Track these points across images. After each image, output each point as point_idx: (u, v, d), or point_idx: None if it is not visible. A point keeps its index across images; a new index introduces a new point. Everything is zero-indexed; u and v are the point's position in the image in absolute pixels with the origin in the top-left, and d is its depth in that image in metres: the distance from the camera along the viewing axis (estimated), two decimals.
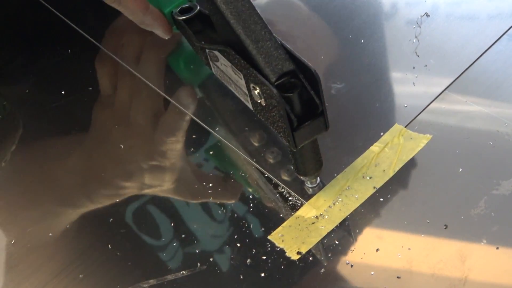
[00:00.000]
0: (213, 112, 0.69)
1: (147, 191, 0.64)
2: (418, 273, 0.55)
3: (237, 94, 0.61)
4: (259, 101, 0.56)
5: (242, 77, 0.57)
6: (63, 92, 0.73)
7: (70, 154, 0.68)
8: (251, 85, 0.56)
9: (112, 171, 0.66)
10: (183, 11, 0.67)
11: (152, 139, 0.68)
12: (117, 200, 0.63)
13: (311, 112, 0.55)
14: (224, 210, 0.61)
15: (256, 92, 0.56)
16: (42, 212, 0.64)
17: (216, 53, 0.60)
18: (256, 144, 0.65)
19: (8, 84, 0.77)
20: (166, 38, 0.71)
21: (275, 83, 0.54)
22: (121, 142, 0.68)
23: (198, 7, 0.66)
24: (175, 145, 0.67)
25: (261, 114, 0.57)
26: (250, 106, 0.59)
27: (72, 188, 0.65)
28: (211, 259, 0.58)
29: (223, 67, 0.60)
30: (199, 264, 0.58)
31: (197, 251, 0.59)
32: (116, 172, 0.66)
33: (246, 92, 0.58)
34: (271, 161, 0.63)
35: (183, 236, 0.60)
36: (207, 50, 0.62)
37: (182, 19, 0.66)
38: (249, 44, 0.55)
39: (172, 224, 0.61)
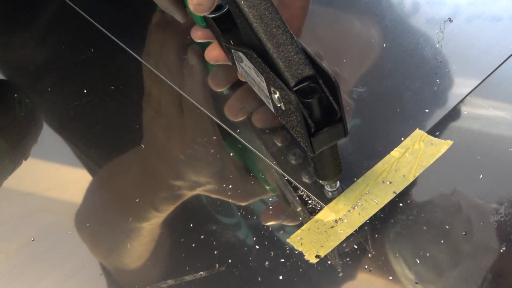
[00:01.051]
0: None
1: (198, 190, 0.64)
2: (437, 280, 0.55)
3: (260, 96, 0.61)
4: (279, 105, 0.56)
5: (264, 80, 0.57)
6: (85, 91, 0.74)
7: (131, 165, 0.68)
8: (272, 89, 0.56)
9: (164, 172, 0.66)
10: (214, 9, 0.66)
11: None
12: (178, 203, 0.63)
13: (330, 118, 0.55)
14: (244, 212, 0.62)
15: (276, 96, 0.56)
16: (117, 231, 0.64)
17: (240, 54, 0.60)
18: (279, 145, 0.65)
19: (30, 82, 0.77)
20: (182, 22, 0.73)
21: (294, 88, 0.54)
22: (164, 138, 0.69)
23: (227, 6, 0.66)
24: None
25: (282, 118, 0.58)
26: (271, 108, 0.59)
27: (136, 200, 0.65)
28: (229, 261, 0.58)
29: (247, 69, 0.60)
30: (217, 265, 0.58)
31: (215, 252, 0.59)
32: (167, 172, 0.66)
33: (268, 95, 0.58)
34: (293, 162, 0.64)
35: (202, 237, 0.60)
36: (232, 50, 0.62)
37: (212, 17, 0.66)
38: (270, 48, 0.55)
39: (191, 225, 0.61)
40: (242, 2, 0.57)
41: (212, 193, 0.63)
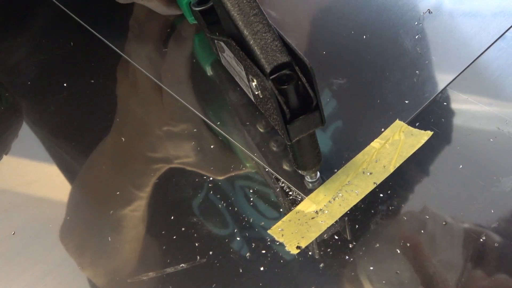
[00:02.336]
0: (215, 104, 0.69)
1: (175, 162, 0.65)
2: (417, 269, 0.55)
3: (241, 85, 0.62)
4: (256, 93, 0.56)
5: (243, 69, 0.57)
6: (65, 85, 0.74)
7: (107, 151, 0.68)
8: (250, 76, 0.56)
9: (139, 145, 0.67)
10: (200, 2, 0.67)
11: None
12: (156, 179, 0.64)
13: (306, 106, 0.55)
14: (224, 204, 0.61)
15: (253, 84, 0.56)
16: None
17: (222, 44, 0.60)
18: (262, 130, 0.65)
19: (11, 75, 0.77)
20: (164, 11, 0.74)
21: (271, 76, 0.54)
22: (138, 112, 0.70)
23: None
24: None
25: (260, 106, 0.58)
26: (251, 96, 0.60)
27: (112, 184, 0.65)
28: (210, 253, 0.58)
29: (229, 58, 0.60)
30: (198, 257, 0.58)
31: (196, 244, 0.59)
32: (142, 145, 0.67)
33: (247, 83, 0.58)
34: (274, 149, 0.64)
35: (183, 229, 0.60)
36: (215, 41, 0.63)
37: (198, 10, 0.67)
38: (246, 35, 0.55)
39: (172, 218, 0.61)
40: None
41: (188, 166, 0.64)
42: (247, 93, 0.60)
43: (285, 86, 0.53)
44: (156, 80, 0.71)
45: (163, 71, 0.73)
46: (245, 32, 0.55)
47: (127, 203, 0.62)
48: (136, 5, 0.78)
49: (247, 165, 0.63)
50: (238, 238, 0.59)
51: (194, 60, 0.73)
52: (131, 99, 0.71)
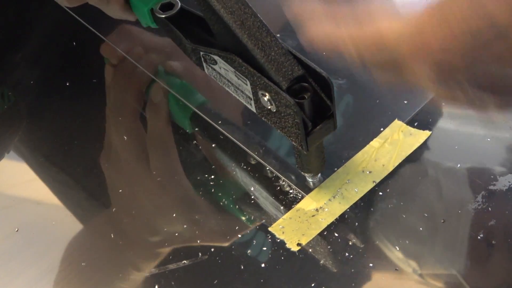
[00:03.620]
0: (216, 108, 0.69)
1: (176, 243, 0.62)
2: (416, 266, 0.56)
3: (236, 96, 0.59)
4: (268, 107, 0.55)
5: (248, 83, 0.56)
6: (67, 84, 0.74)
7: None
8: (260, 92, 0.55)
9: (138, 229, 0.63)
10: (163, 8, 0.63)
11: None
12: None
13: (321, 115, 0.54)
14: (226, 202, 0.62)
15: (265, 98, 0.54)
16: None
17: (215, 57, 0.57)
18: (258, 138, 0.65)
19: (14, 75, 0.77)
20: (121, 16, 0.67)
21: (288, 88, 0.53)
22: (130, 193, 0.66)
23: (180, 4, 0.62)
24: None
25: (267, 118, 0.56)
26: (252, 108, 0.58)
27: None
28: (212, 250, 0.59)
29: (223, 71, 0.58)
30: (200, 254, 0.58)
31: (198, 241, 0.59)
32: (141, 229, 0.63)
33: (251, 96, 0.57)
34: (272, 155, 0.64)
35: (185, 226, 0.61)
36: (201, 53, 0.59)
37: (165, 17, 0.62)
38: (256, 52, 0.53)
39: (174, 215, 0.62)
40: (221, 9, 0.54)
41: (187, 243, 0.60)
42: (245, 103, 0.58)
43: (304, 100, 0.52)
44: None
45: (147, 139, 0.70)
46: (254, 49, 0.53)
47: (128, 267, 0.60)
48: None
49: (243, 219, 0.62)
50: (239, 235, 0.59)
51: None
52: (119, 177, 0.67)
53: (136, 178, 0.66)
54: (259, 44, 0.54)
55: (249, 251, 0.58)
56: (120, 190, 0.64)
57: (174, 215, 0.62)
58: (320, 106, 0.54)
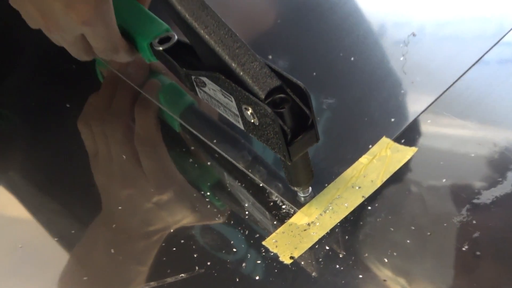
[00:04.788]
0: (206, 128, 0.70)
1: (175, 227, 0.63)
2: (403, 277, 0.56)
3: (226, 116, 0.60)
4: (252, 121, 0.56)
5: (233, 100, 0.57)
6: (68, 105, 0.74)
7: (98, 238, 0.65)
8: (243, 106, 0.56)
9: (134, 224, 0.64)
10: (161, 41, 0.65)
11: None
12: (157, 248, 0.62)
13: (302, 125, 0.55)
14: (221, 218, 0.63)
15: (248, 112, 0.56)
16: None
17: (204, 79, 0.59)
18: (250, 158, 0.66)
19: (15, 95, 0.78)
20: (130, 60, 0.69)
21: (266, 101, 0.54)
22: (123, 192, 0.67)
23: (176, 37, 0.65)
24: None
25: (254, 133, 0.58)
26: (240, 126, 0.59)
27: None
28: (208, 263, 0.59)
29: (211, 92, 0.59)
30: (197, 268, 0.59)
31: (195, 255, 0.60)
32: (136, 224, 0.64)
33: (237, 113, 0.58)
34: (265, 170, 0.65)
35: (182, 241, 0.61)
36: (193, 77, 0.61)
37: (163, 49, 0.64)
38: (235, 67, 0.55)
39: (171, 231, 0.62)
40: (202, 31, 0.57)
41: (189, 224, 0.62)
42: (234, 122, 0.60)
43: (282, 109, 0.53)
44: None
45: (136, 140, 0.70)
46: (233, 64, 0.55)
47: (129, 282, 0.61)
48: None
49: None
50: (234, 250, 0.60)
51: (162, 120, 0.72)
52: (112, 180, 0.68)
53: (130, 181, 0.67)
54: (237, 60, 0.55)
55: (244, 264, 0.59)
56: (120, 207, 0.65)
57: (171, 230, 0.62)
58: (300, 117, 0.55)
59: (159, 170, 0.67)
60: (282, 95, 0.54)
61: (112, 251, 0.62)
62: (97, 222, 0.65)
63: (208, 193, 0.65)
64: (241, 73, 0.55)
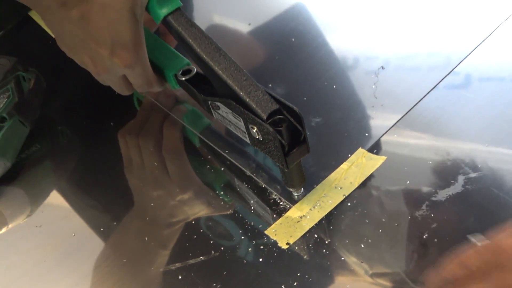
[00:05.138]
0: (220, 142, 0.68)
1: (193, 217, 0.62)
2: (377, 259, 0.56)
3: (235, 132, 0.60)
4: (257, 137, 0.56)
5: (242, 120, 0.57)
6: (111, 123, 0.73)
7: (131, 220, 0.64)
8: (250, 125, 0.56)
9: (161, 217, 0.63)
10: (184, 73, 0.63)
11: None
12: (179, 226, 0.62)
13: (296, 140, 0.55)
14: (232, 211, 0.62)
15: (254, 130, 0.56)
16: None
17: (218, 103, 0.59)
18: (254, 165, 0.65)
19: (69, 114, 0.77)
20: (161, 89, 0.67)
21: (268, 121, 0.54)
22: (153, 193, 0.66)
23: (195, 70, 0.63)
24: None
25: (258, 146, 0.58)
26: (247, 140, 0.59)
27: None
28: (222, 248, 0.59)
29: (224, 114, 0.59)
30: (213, 252, 0.59)
31: (211, 242, 0.59)
32: (163, 216, 0.63)
33: (245, 130, 0.58)
34: (266, 175, 0.64)
35: (201, 230, 0.61)
36: (209, 102, 0.60)
37: (185, 80, 0.63)
38: (243, 95, 0.55)
39: (193, 222, 0.62)
40: (216, 67, 0.57)
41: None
42: (242, 137, 0.59)
43: (281, 128, 0.54)
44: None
45: (164, 151, 0.69)
46: (241, 93, 0.55)
47: (156, 264, 0.59)
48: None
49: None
50: (242, 237, 0.59)
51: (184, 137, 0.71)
52: (145, 183, 0.67)
53: (159, 184, 0.66)
54: (244, 90, 0.56)
55: (250, 249, 0.58)
56: (152, 204, 0.64)
57: (192, 222, 0.62)
58: (295, 133, 0.55)
59: (182, 174, 0.67)
60: (280, 116, 0.55)
61: (146, 238, 0.61)
62: (130, 215, 0.64)
63: (221, 192, 0.64)
64: (248, 100, 0.55)
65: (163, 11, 0.58)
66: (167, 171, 0.67)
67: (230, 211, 0.62)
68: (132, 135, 0.71)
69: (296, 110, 0.55)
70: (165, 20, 0.59)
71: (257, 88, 0.56)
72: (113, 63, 0.59)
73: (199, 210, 0.63)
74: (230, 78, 0.56)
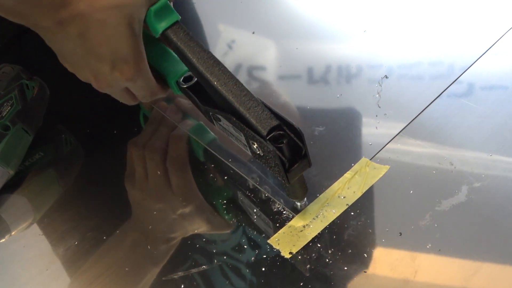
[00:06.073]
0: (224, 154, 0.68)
1: (190, 233, 0.62)
2: (380, 268, 0.56)
3: (237, 144, 0.60)
4: (258, 152, 0.56)
5: (242, 135, 0.56)
6: (115, 132, 0.73)
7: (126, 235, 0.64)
8: (250, 141, 0.56)
9: (160, 229, 0.63)
10: (185, 80, 0.63)
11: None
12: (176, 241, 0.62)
13: (297, 155, 0.55)
14: (235, 221, 0.62)
15: (254, 146, 0.55)
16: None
17: (219, 116, 0.58)
18: (257, 177, 0.65)
19: (74, 123, 0.77)
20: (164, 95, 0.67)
21: (268, 137, 0.53)
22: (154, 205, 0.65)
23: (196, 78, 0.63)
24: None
25: (259, 160, 0.57)
26: (249, 153, 0.58)
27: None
28: (224, 257, 0.59)
29: (226, 126, 0.59)
30: (215, 261, 0.59)
31: (214, 251, 0.59)
32: (162, 230, 0.63)
33: (246, 144, 0.57)
34: (270, 186, 0.64)
35: (204, 240, 0.61)
36: (210, 113, 0.60)
37: (186, 87, 0.63)
38: (242, 111, 0.55)
39: (196, 231, 0.61)
40: (215, 83, 0.56)
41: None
42: (245, 150, 0.59)
43: (281, 145, 0.53)
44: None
45: (168, 163, 0.69)
46: (241, 110, 0.55)
47: (141, 279, 0.60)
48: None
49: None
50: (245, 247, 0.59)
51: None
52: (146, 194, 0.67)
53: (161, 195, 0.66)
54: (244, 105, 0.55)
55: (252, 258, 0.58)
56: (155, 212, 0.64)
57: (195, 231, 0.62)
58: (295, 149, 0.54)
59: (185, 188, 0.66)
60: (280, 132, 0.54)
61: (137, 250, 0.61)
62: (126, 226, 0.64)
63: (223, 207, 0.63)
64: (247, 115, 0.55)
65: (161, 25, 0.58)
66: (170, 184, 0.66)
67: (229, 230, 0.62)
68: (138, 147, 0.71)
69: (296, 126, 0.54)
70: (163, 34, 0.58)
71: (257, 104, 0.55)
72: (115, 77, 0.59)
73: (198, 227, 0.62)
74: (229, 94, 0.56)
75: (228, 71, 0.57)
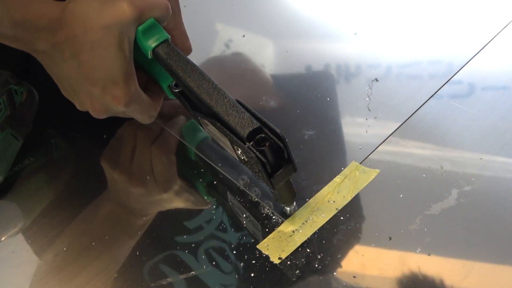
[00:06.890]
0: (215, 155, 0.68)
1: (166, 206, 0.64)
2: (369, 274, 0.56)
3: (226, 148, 0.60)
4: (242, 157, 0.56)
5: (227, 140, 0.57)
6: (104, 136, 0.73)
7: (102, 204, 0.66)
8: (234, 146, 0.56)
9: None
10: (177, 85, 0.64)
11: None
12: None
13: (281, 160, 0.55)
14: (224, 226, 0.61)
15: (239, 151, 0.56)
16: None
17: (205, 120, 0.59)
18: (248, 181, 0.65)
19: (65, 128, 0.76)
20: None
21: (250, 141, 0.54)
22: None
23: None
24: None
25: (245, 165, 0.57)
26: (236, 158, 0.59)
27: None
28: (213, 263, 0.58)
29: (213, 130, 0.59)
30: (204, 267, 0.58)
31: (203, 257, 0.59)
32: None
33: (232, 149, 0.58)
34: (259, 190, 0.63)
35: (193, 245, 0.60)
36: (199, 117, 0.61)
37: (178, 91, 0.63)
38: (222, 115, 0.55)
39: (185, 237, 0.61)
40: (195, 88, 0.57)
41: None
42: (232, 154, 0.59)
43: (263, 148, 0.53)
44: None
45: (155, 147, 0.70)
46: (220, 113, 0.55)
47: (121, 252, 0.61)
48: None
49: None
50: (234, 252, 0.59)
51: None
52: (131, 177, 0.68)
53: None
54: (223, 109, 0.55)
55: (242, 264, 0.58)
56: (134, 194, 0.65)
57: (185, 236, 0.61)
58: (279, 154, 0.54)
59: (166, 174, 0.67)
60: (262, 135, 0.54)
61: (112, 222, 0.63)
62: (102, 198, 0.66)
63: (205, 191, 0.65)
64: (226, 119, 0.55)
65: (150, 44, 0.58)
66: (152, 169, 0.67)
67: (208, 207, 0.62)
68: (132, 126, 0.72)
69: (278, 132, 0.54)
70: (153, 53, 0.59)
71: (237, 109, 0.55)
72: (107, 101, 0.59)
73: (177, 205, 0.63)
74: (207, 98, 0.56)
75: (213, 82, 0.57)
